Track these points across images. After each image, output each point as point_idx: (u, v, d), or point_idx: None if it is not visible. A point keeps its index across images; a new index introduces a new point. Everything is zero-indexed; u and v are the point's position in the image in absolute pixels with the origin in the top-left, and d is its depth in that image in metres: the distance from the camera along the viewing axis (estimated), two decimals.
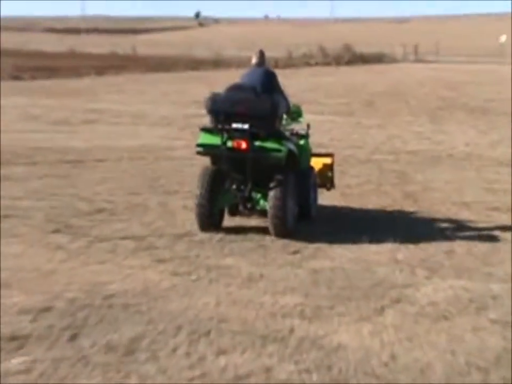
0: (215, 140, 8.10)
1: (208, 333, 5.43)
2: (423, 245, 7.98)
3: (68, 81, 31.07)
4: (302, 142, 8.97)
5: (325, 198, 9.69)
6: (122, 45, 52.24)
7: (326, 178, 9.55)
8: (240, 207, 8.45)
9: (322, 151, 14.25)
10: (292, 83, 29.53)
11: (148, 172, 11.88)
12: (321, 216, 9.07)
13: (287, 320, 5.75)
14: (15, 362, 4.89)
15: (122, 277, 6.68)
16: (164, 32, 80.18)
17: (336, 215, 9.44)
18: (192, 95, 24.69)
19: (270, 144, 8.02)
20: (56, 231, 8.15)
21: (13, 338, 5.23)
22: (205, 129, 8.27)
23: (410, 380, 4.83)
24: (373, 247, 7.86)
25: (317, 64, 45.18)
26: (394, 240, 8.04)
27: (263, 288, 6.49)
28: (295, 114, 9.05)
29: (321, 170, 9.47)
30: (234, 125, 8.04)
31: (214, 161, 8.33)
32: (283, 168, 8.15)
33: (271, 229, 8.11)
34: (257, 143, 8.00)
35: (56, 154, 13.22)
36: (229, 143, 8.04)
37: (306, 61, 45.48)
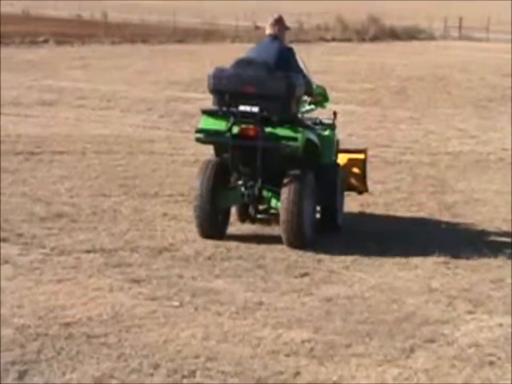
0: (218, 125, 8.32)
1: (192, 373, 5.45)
2: (464, 271, 8.02)
3: (20, 51, 31.14)
4: (326, 132, 9.10)
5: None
6: (90, 7, 52.31)
7: (357, 179, 9.73)
8: (250, 209, 8.72)
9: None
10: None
11: (119, 169, 11.93)
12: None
13: (292, 360, 5.77)
14: None
15: (86, 300, 6.71)
16: None
17: (356, 230, 9.48)
18: (177, 74, 24.83)
19: (283, 131, 8.23)
20: (3, 240, 8.19)
21: None
22: (207, 112, 8.51)
23: None
24: (401, 272, 7.91)
25: (334, 39, 45.26)
26: (429, 264, 8.08)
27: (262, 319, 6.52)
28: (319, 98, 9.24)
29: (350, 169, 9.65)
30: (242, 108, 8.25)
31: (218, 151, 8.57)
32: (300, 162, 8.35)
33: (283, 236, 8.34)
34: (268, 130, 8.21)
35: (2, 143, 13.25)
36: (235, 129, 8.25)
37: (320, 35, 45.55)
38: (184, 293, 6.98)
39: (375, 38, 46.97)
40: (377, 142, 15.40)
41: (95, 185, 10.79)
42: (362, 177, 9.79)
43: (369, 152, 13.99)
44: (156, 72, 26.05)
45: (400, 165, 13.34)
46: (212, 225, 8.48)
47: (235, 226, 8.95)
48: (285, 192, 8.20)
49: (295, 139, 8.18)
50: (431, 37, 52.16)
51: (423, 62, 34.11)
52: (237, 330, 6.25)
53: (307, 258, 8.11)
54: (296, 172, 8.26)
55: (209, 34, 42.23)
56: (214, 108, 8.46)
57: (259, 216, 8.99)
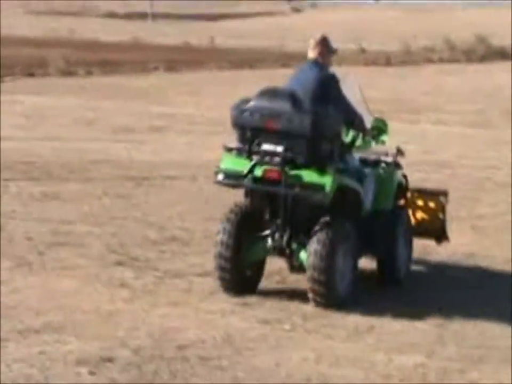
0: (239, 165, 7.32)
1: None
2: None
3: (131, 78, 31.76)
4: (383, 173, 8.15)
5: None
6: (198, 34, 53.07)
7: (435, 226, 8.73)
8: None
9: (447, 171, 14.29)
10: (409, 83, 29.59)
11: (230, 193, 12.04)
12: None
13: None
14: None
15: (199, 323, 6.81)
16: (248, 18, 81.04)
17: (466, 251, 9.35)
18: None
19: (309, 176, 7.10)
20: (118, 263, 8.37)
21: None
22: (229, 149, 7.56)
23: None
24: None
25: (441, 60, 44.84)
26: None
27: (373, 343, 6.52)
28: (376, 132, 8.11)
29: (426, 214, 8.73)
30: (265, 146, 7.26)
31: (246, 194, 7.68)
32: (334, 211, 7.27)
33: (309, 296, 7.25)
34: (292, 173, 7.12)
35: (116, 169, 13.56)
36: (258, 171, 7.23)
37: (427, 57, 45.18)
38: (295, 317, 7.01)
39: (483, 58, 46.35)
40: (488, 163, 15.19)
41: (206, 209, 10.92)
42: (442, 223, 8.70)
43: (479, 174, 13.95)
44: None
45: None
46: (236, 279, 7.44)
47: None
48: (312, 244, 7.11)
49: (321, 187, 7.01)
50: None
51: None
52: (348, 354, 6.26)
53: (416, 282, 8.06)
54: (326, 219, 7.19)
55: None
56: (237, 145, 7.47)
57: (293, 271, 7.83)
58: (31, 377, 5.64)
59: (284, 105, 7.18)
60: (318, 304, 7.16)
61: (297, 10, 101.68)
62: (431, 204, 8.72)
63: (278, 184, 7.13)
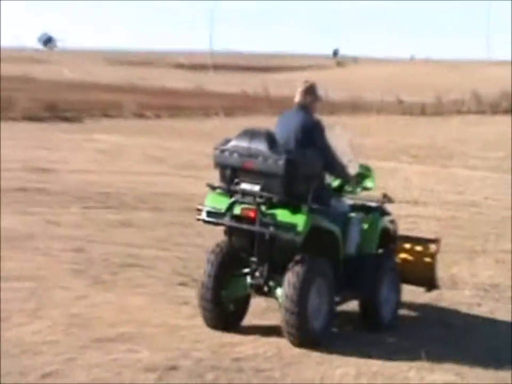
0: (220, 203, 6.83)
1: None
2: None
3: (195, 121, 32.07)
4: (363, 217, 7.44)
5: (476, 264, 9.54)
6: (254, 84, 53.41)
7: (425, 274, 7.92)
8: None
9: (474, 209, 14.17)
10: (440, 132, 29.36)
11: None
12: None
13: None
14: None
15: (253, 338, 6.85)
16: (298, 71, 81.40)
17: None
18: None
19: (283, 216, 6.55)
20: (182, 284, 8.45)
21: None
22: (214, 188, 7.03)
23: None
24: None
25: (469, 111, 44.60)
26: None
27: (408, 363, 6.49)
28: (359, 178, 7.49)
29: (417, 262, 7.94)
30: (244, 185, 6.75)
31: (225, 232, 7.03)
32: (308, 250, 6.64)
33: (283, 328, 6.65)
34: (268, 212, 6.59)
35: (182, 201, 13.67)
36: (237, 210, 6.73)
37: (457, 108, 44.97)
38: (336, 336, 7.01)
39: (506, 111, 45.98)
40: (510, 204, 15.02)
41: None
42: (432, 271, 7.88)
43: (504, 213, 13.79)
44: None
45: None
46: (216, 316, 6.94)
47: None
48: (287, 277, 6.52)
49: (294, 226, 6.43)
50: None
51: None
52: (385, 371, 6.25)
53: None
54: (299, 257, 6.56)
55: (357, 107, 42.32)
56: (220, 184, 6.96)
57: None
58: (106, 381, 5.73)
59: (260, 146, 6.64)
60: (291, 336, 6.58)
61: (340, 64, 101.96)
62: (421, 251, 7.94)
63: (254, 223, 6.59)
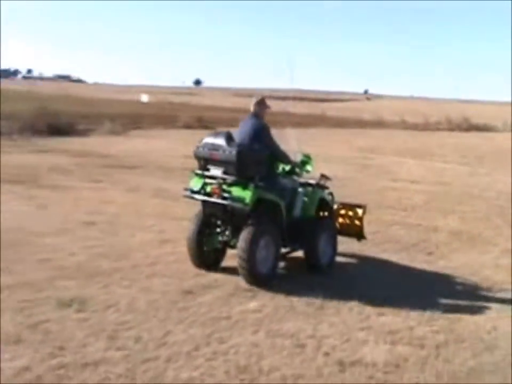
0: (197, 184, 6.19)
1: None
2: None
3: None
4: (304, 191, 6.65)
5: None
6: (313, 109, 52.90)
7: (354, 229, 7.10)
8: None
9: (447, 188, 14.12)
10: (426, 141, 28.96)
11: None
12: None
13: None
14: None
15: (220, 275, 6.10)
16: (341, 102, 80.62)
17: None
18: (355, 144, 24.82)
19: (236, 191, 5.92)
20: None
21: None
22: (196, 174, 6.30)
23: None
24: None
25: (444, 129, 43.42)
26: None
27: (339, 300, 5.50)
28: (302, 164, 6.65)
29: (350, 220, 7.13)
30: (212, 171, 6.12)
31: (202, 205, 6.33)
32: (258, 215, 5.97)
33: (239, 270, 5.96)
34: (227, 189, 5.97)
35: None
36: (208, 188, 6.10)
37: (437, 127, 43.92)
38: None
39: (466, 129, 43.52)
40: (467, 183, 14.67)
41: None
42: (360, 226, 7.07)
43: (464, 189, 13.59)
44: (344, 143, 25.17)
45: (480, 199, 12.49)
46: (200, 259, 6.35)
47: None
48: (242, 233, 5.88)
49: (243, 199, 5.81)
50: (498, 130, 44.57)
51: (494, 143, 31.75)
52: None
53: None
54: (253, 218, 5.91)
55: (380, 124, 41.36)
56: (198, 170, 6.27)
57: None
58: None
59: (221, 142, 5.98)
60: (243, 277, 5.93)
61: (369, 99, 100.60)
62: (351, 213, 7.13)
63: (217, 198, 6.00)
